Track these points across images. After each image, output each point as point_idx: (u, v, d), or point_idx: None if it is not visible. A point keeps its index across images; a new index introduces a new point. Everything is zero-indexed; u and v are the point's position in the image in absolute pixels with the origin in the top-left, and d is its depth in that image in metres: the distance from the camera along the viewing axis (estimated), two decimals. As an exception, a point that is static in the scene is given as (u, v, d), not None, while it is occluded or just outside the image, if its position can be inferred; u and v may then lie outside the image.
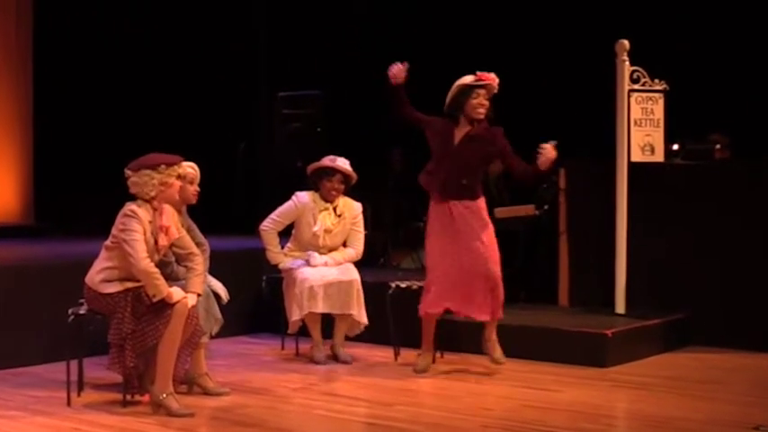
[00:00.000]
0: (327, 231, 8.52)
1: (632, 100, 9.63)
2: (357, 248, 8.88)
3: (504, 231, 9.54)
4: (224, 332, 8.30)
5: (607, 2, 11.19)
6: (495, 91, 8.10)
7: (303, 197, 8.63)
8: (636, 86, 9.65)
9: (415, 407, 7.35)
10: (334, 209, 8.62)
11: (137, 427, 6.63)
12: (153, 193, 6.83)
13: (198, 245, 7.66)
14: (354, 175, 8.56)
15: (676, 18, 10.88)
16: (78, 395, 7.33)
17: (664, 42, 10.46)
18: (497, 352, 8.24)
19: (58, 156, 14.61)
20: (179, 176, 6.96)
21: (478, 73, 8.04)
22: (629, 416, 7.29)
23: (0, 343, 8.47)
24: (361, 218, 8.88)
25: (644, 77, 9.69)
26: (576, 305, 10.30)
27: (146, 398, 7.27)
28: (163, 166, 6.81)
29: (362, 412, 7.27)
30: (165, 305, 6.85)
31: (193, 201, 7.47)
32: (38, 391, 7.61)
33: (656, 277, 9.82)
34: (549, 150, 7.91)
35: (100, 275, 6.97)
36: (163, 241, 6.97)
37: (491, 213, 9.10)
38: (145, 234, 6.84)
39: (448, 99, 8.20)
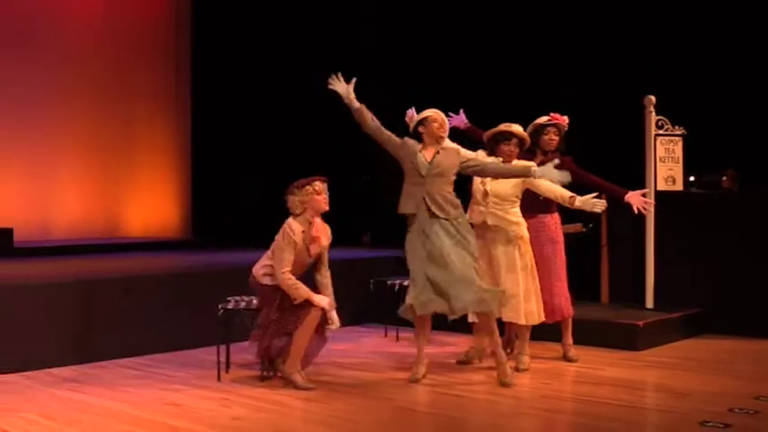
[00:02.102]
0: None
1: (658, 142, 9.65)
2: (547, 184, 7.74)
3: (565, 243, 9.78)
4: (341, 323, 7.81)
5: (638, 61, 10.96)
6: (566, 129, 8.13)
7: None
8: (660, 131, 9.66)
9: (490, 383, 7.30)
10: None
11: (271, 397, 6.78)
12: (298, 211, 6.94)
13: None
14: (528, 138, 7.87)
15: (697, 73, 10.67)
16: (226, 372, 7.53)
17: (686, 94, 10.25)
18: (570, 353, 8.21)
19: (211, 182, 14.70)
20: (317, 192, 6.94)
21: (551, 114, 8.06)
22: (658, 388, 7.29)
23: (167, 332, 8.69)
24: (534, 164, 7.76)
25: (666, 124, 9.68)
26: (614, 302, 10.27)
27: (278, 374, 7.40)
28: (296, 189, 6.93)
29: (449, 382, 7.24)
30: (308, 303, 6.90)
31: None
32: (195, 370, 7.78)
33: (678, 279, 9.68)
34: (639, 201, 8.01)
35: (262, 270, 7.11)
36: (314, 249, 7.07)
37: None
38: (296, 245, 6.92)
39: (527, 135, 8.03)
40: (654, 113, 9.66)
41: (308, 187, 6.90)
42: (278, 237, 7.02)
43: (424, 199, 7.13)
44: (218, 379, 7.37)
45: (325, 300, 7.02)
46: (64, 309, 8.15)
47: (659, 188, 9.70)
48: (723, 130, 10.43)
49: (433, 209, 7.18)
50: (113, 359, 8.21)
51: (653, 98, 9.66)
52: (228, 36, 14.86)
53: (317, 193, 6.93)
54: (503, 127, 7.68)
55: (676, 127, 9.74)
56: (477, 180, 7.73)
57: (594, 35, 11.70)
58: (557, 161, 7.47)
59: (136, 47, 14.85)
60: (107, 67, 14.45)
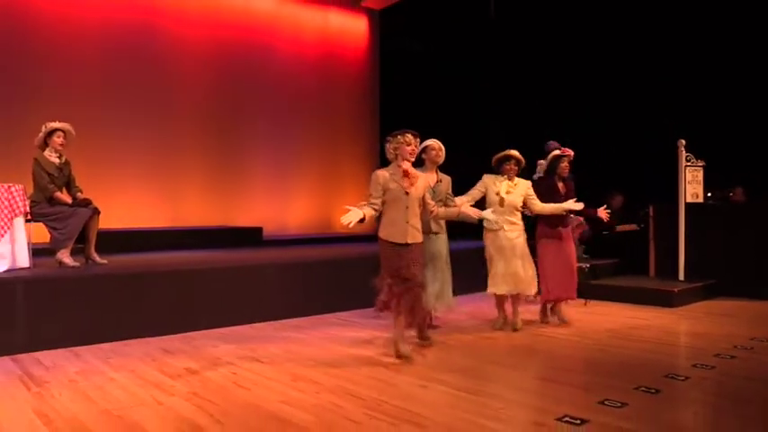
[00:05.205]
0: (507, 193, 6.97)
1: (687, 171, 9.68)
2: (540, 205, 7.19)
3: (622, 237, 9.92)
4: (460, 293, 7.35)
5: (677, 117, 10.84)
6: (572, 158, 7.49)
7: (488, 177, 7.13)
8: (688, 164, 9.68)
9: (568, 331, 7.27)
10: (511, 183, 7.04)
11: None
12: (390, 157, 5.78)
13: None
14: (523, 159, 7.09)
15: (713, 124, 10.50)
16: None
17: (706, 137, 10.05)
18: (566, 318, 7.64)
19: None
20: (406, 143, 5.69)
21: (562, 148, 7.51)
22: (686, 332, 7.24)
23: (359, 295, 7.74)
24: (531, 188, 7.18)
25: (693, 159, 9.69)
26: (658, 275, 10.27)
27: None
28: (390, 138, 5.81)
29: (549, 332, 7.15)
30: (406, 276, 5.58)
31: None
32: (379, 321, 7.44)
33: (701, 260, 9.69)
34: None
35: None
36: (407, 185, 5.68)
37: (613, 228, 9.40)
38: (380, 184, 5.66)
39: (547, 163, 7.57)
40: (684, 151, 9.67)
41: (399, 137, 5.76)
42: None
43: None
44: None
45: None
46: (294, 280, 8.27)
47: (687, 201, 9.72)
48: (731, 162, 10.32)
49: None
50: (324, 314, 8.32)
51: (683, 141, 9.68)
52: (400, 89, 14.90)
53: (407, 143, 5.72)
54: (505, 152, 7.07)
55: (699, 160, 9.79)
56: (492, 193, 7.04)
57: (653, 104, 11.56)
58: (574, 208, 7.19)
59: (341, 101, 15.12)
60: (323, 114, 14.76)
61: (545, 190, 7.40)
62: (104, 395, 4.86)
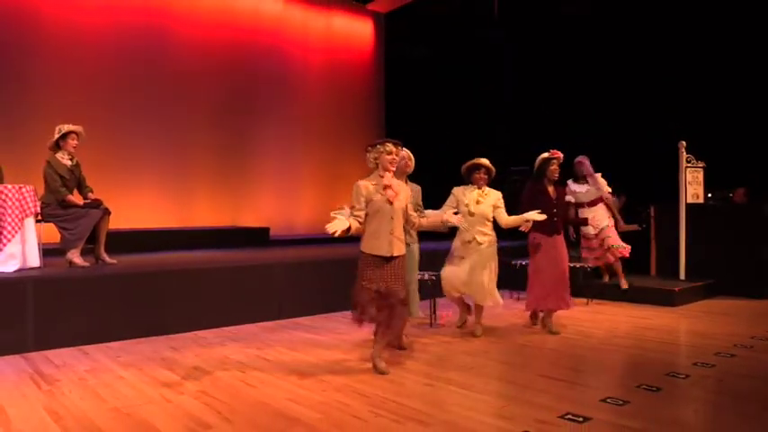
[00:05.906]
0: (477, 203, 6.69)
1: (687, 172, 9.71)
2: (506, 217, 6.78)
3: (626, 236, 9.89)
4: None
5: (678, 120, 10.63)
6: (562, 161, 7.05)
7: (458, 189, 6.84)
8: (689, 165, 9.70)
9: (576, 331, 7.21)
10: (482, 192, 6.79)
11: (434, 338, 6.74)
12: (371, 166, 5.41)
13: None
14: (493, 168, 6.83)
15: (713, 127, 10.36)
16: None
17: (707, 139, 9.99)
18: (554, 328, 7.14)
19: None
20: (387, 152, 5.34)
21: (551, 150, 7.02)
22: (687, 331, 7.16)
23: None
24: (501, 199, 6.86)
25: (693, 160, 9.72)
26: (659, 274, 10.30)
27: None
28: (370, 147, 5.46)
29: (557, 337, 6.94)
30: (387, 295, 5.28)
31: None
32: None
33: (701, 260, 9.70)
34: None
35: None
36: (391, 195, 5.33)
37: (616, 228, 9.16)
38: (363, 194, 5.34)
39: (536, 166, 7.03)
40: (685, 153, 9.70)
41: (379, 147, 5.42)
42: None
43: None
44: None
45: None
46: (301, 280, 8.22)
47: (688, 201, 9.75)
48: (732, 163, 10.29)
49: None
50: (331, 313, 8.26)
51: (684, 143, 9.71)
52: (406, 92, 15.05)
53: (387, 153, 5.39)
54: (475, 161, 6.83)
55: (699, 162, 9.81)
56: (462, 205, 6.80)
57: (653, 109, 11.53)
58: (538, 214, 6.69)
59: (347, 103, 15.25)
60: (329, 116, 14.87)
61: (534, 195, 7.05)
62: (113, 393, 4.85)
